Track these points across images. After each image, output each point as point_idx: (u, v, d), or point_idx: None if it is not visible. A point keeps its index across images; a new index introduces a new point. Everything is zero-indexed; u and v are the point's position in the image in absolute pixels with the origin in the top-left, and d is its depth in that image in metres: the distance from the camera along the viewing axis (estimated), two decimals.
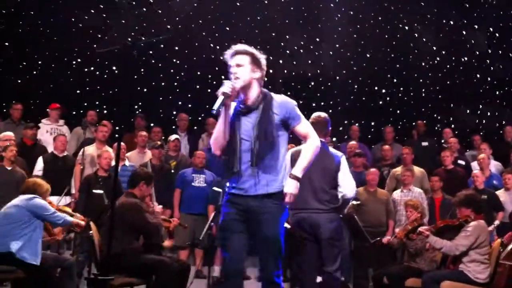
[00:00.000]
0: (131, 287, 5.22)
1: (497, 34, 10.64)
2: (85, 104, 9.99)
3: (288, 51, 10.33)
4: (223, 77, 10.23)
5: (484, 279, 5.39)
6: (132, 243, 5.11)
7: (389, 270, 6.06)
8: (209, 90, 10.71)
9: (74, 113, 9.86)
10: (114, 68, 9.87)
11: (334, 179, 4.68)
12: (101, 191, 6.15)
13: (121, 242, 4.97)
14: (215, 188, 6.61)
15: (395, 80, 10.82)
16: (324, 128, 4.78)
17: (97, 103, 10.25)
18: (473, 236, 5.43)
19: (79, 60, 10.36)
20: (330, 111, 10.04)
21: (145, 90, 10.56)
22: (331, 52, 10.80)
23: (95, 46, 9.92)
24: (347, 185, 4.70)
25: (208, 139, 8.99)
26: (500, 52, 10.62)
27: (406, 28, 10.72)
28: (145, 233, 5.30)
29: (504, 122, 10.07)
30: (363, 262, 6.97)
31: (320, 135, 4.66)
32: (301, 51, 10.74)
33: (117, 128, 9.29)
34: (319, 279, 4.82)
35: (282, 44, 10.07)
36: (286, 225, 5.47)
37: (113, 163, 7.52)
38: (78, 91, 10.31)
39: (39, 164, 7.56)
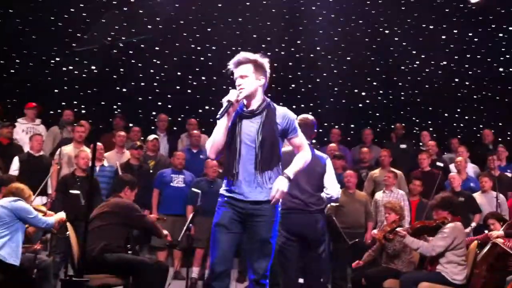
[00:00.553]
0: None
1: (475, 39, 10.74)
2: (63, 103, 9.87)
3: (269, 53, 10.32)
4: (203, 78, 10.27)
5: (461, 280, 5.44)
6: (115, 242, 5.07)
7: (367, 271, 6.08)
8: (189, 91, 10.71)
9: (51, 112, 9.73)
10: (93, 67, 9.74)
11: (320, 181, 4.76)
12: (78, 192, 6.08)
13: (102, 241, 4.97)
14: (194, 189, 6.57)
15: (374, 83, 10.88)
16: (310, 130, 4.83)
17: (75, 102, 10.13)
18: (449, 238, 5.48)
19: (57, 59, 10.23)
20: (310, 113, 10.07)
21: (124, 90, 10.47)
22: (312, 55, 10.84)
23: (73, 45, 9.84)
24: (332, 187, 4.77)
25: (187, 140, 8.97)
26: (478, 56, 10.72)
27: (386, 32, 10.78)
28: (146, 228, 5.50)
29: (481, 126, 10.19)
30: (342, 263, 6.99)
31: (306, 136, 4.75)
32: (282, 53, 10.75)
33: (95, 128, 9.23)
34: (301, 280, 4.84)
35: (263, 46, 10.05)
36: None
37: (90, 163, 7.49)
38: (56, 90, 10.20)
39: (15, 163, 7.47)
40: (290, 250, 4.68)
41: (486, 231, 6.05)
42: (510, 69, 10.70)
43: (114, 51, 9.96)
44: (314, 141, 8.52)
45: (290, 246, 4.68)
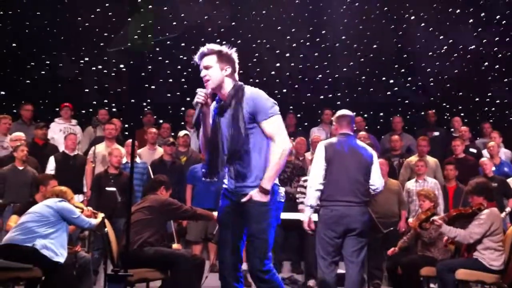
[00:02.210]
0: (147, 282, 5.29)
1: (503, 21, 10.53)
2: (94, 102, 10.03)
3: (294, 45, 10.33)
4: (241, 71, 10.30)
5: (499, 266, 5.38)
6: (153, 236, 5.18)
7: (403, 260, 6.04)
8: None
9: (83, 111, 9.91)
10: (121, 66, 9.87)
11: (368, 172, 4.78)
12: (113, 189, 6.19)
13: (141, 235, 5.09)
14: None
15: (402, 70, 10.77)
16: (350, 121, 4.97)
17: (105, 101, 10.29)
18: (486, 224, 5.43)
19: (86, 59, 10.39)
20: (338, 103, 10.07)
21: (153, 87, 10.58)
22: (337, 44, 10.78)
23: (101, 44, 9.98)
24: (377, 179, 4.81)
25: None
26: (507, 39, 10.53)
27: (412, 18, 10.66)
28: (189, 217, 5.69)
29: None
30: (376, 253, 6.98)
31: (348, 128, 4.89)
32: (307, 44, 10.72)
33: (126, 125, 9.38)
34: (339, 270, 4.88)
35: (288, 37, 10.05)
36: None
37: (123, 160, 7.64)
38: (86, 90, 10.37)
39: (51, 163, 7.61)
40: (329, 242, 4.69)
41: None
42: None
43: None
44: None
45: (330, 239, 4.69)
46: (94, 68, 10.32)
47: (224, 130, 3.54)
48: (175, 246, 5.69)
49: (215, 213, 5.62)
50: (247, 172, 3.48)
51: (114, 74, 10.01)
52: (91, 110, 9.62)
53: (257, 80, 9.63)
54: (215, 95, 3.63)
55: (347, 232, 4.69)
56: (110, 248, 5.14)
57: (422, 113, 10.01)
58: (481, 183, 5.77)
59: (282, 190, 3.59)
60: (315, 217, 4.84)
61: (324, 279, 4.67)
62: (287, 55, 10.59)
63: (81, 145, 8.54)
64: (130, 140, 7.94)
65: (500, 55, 10.59)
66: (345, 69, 10.76)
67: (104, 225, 5.31)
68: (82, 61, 10.41)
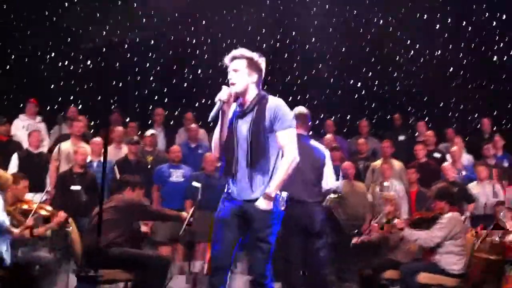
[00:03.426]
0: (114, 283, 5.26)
1: (469, 28, 10.78)
2: (60, 99, 9.87)
3: (264, 45, 10.35)
4: (199, 71, 10.28)
5: (459, 270, 5.51)
6: (120, 236, 5.13)
7: (372, 263, 6.11)
8: (185, 85, 10.72)
9: (48, 108, 9.74)
10: (88, 63, 9.74)
11: (321, 173, 4.80)
12: (78, 187, 6.11)
13: (107, 235, 5.00)
14: (194, 183, 6.60)
15: (370, 74, 10.92)
16: (305, 120, 4.95)
17: (71, 98, 10.13)
18: (447, 228, 5.54)
19: (53, 54, 10.22)
20: (307, 104, 10.11)
21: (120, 84, 10.47)
22: (307, 46, 10.85)
23: (68, 40, 9.83)
24: (330, 179, 4.88)
25: (185, 134, 8.97)
26: (472, 45, 10.77)
27: (381, 22, 10.81)
28: (156, 217, 5.67)
29: (476, 115, 10.26)
30: (343, 255, 7.01)
31: (302, 129, 4.84)
32: (277, 44, 10.77)
33: (92, 123, 9.26)
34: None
35: (258, 38, 10.07)
36: None
37: (88, 159, 7.53)
38: (51, 86, 10.20)
39: (14, 161, 7.46)
40: (294, 240, 4.74)
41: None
42: (504, 57, 10.73)
43: (120, 49, 10.03)
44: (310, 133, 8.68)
45: (291, 237, 4.73)
46: (60, 64, 10.13)
47: (242, 133, 3.60)
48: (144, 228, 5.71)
49: (184, 214, 5.64)
50: (262, 178, 3.57)
51: (80, 71, 9.83)
52: (56, 107, 9.44)
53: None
54: (237, 98, 3.68)
55: (306, 232, 4.74)
56: (74, 247, 5.06)
57: (389, 117, 10.13)
58: (442, 188, 5.91)
59: (284, 194, 3.61)
60: None
61: (292, 275, 4.72)
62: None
63: (48, 142, 8.37)
64: (96, 139, 7.89)
65: (465, 62, 10.81)
66: (313, 72, 10.84)
67: (68, 224, 5.23)
68: (48, 57, 10.23)
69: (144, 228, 5.89)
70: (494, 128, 9.63)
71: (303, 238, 4.76)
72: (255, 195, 3.55)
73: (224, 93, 3.52)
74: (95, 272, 4.03)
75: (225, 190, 3.71)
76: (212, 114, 3.50)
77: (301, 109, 5.01)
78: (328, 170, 4.89)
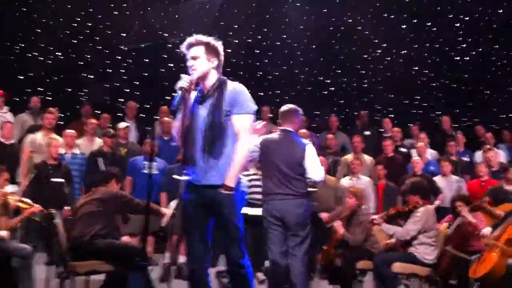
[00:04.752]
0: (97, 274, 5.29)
1: (433, 29, 11.14)
2: (29, 90, 9.73)
3: (236, 41, 10.45)
4: (170, 64, 10.25)
5: (432, 259, 5.78)
6: (105, 228, 5.17)
7: (341, 252, 6.23)
8: (156, 77, 10.71)
9: (16, 99, 9.58)
10: (59, 53, 9.63)
11: (301, 167, 4.91)
12: (62, 180, 6.10)
13: (92, 227, 5.07)
14: (176, 176, 6.66)
15: (338, 71, 11.16)
16: (292, 117, 5.07)
17: (40, 89, 9.99)
18: (422, 221, 5.80)
19: (21, 45, 10.05)
20: (277, 100, 10.30)
21: (91, 76, 10.39)
22: (277, 43, 11.01)
23: (38, 31, 9.67)
24: (314, 171, 4.94)
25: (160, 127, 9.00)
26: (436, 45, 11.14)
27: (350, 21, 11.06)
28: (140, 211, 5.49)
29: (438, 113, 10.63)
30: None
31: (289, 124, 4.99)
32: (249, 40, 10.88)
33: (61, 115, 9.17)
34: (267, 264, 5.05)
35: (230, 33, 10.15)
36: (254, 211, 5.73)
37: (62, 151, 7.48)
38: (20, 77, 10.03)
39: None
40: (274, 233, 4.87)
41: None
42: (465, 58, 11.15)
43: (80, 37, 9.94)
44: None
45: (275, 230, 4.87)
46: (29, 55, 9.98)
47: (202, 119, 3.58)
48: (125, 238, 5.70)
49: (166, 210, 5.71)
50: (217, 162, 3.53)
51: (51, 62, 9.71)
52: (24, 97, 9.30)
53: None
54: (197, 84, 3.67)
55: (285, 225, 4.86)
56: (57, 239, 5.08)
57: (356, 113, 10.39)
58: (416, 183, 6.17)
59: (244, 179, 3.69)
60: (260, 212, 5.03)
61: (275, 268, 4.85)
62: (229, 51, 10.68)
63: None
64: (69, 130, 7.85)
65: (429, 61, 11.17)
66: (284, 67, 11.02)
67: (53, 216, 5.24)
68: (18, 47, 10.05)
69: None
70: (454, 126, 10.01)
71: (282, 230, 4.87)
72: (214, 180, 3.52)
73: (184, 81, 3.49)
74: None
75: (186, 179, 3.69)
76: (174, 103, 3.47)
77: (287, 106, 5.13)
78: (311, 163, 4.94)
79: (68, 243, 5.14)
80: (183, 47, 3.66)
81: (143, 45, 8.17)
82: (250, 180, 6.61)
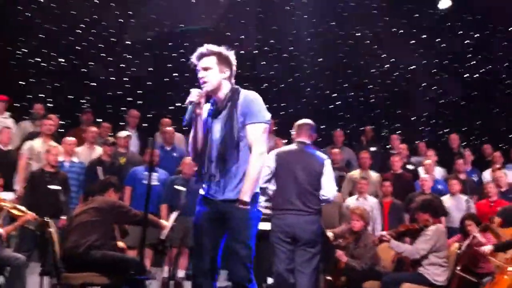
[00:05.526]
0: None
1: (442, 45, 11.00)
2: (30, 96, 9.57)
3: (242, 52, 10.29)
4: (175, 74, 10.14)
5: (442, 281, 5.56)
6: (101, 238, 4.97)
7: (347, 272, 6.07)
8: (160, 87, 10.57)
9: (16, 105, 9.42)
10: (61, 60, 9.49)
11: (319, 182, 4.76)
12: (58, 187, 5.91)
13: (88, 237, 4.88)
14: (177, 187, 6.48)
15: (345, 85, 11.01)
16: (309, 130, 5.00)
17: (42, 95, 9.84)
18: (432, 240, 5.60)
19: (24, 50, 9.91)
20: (282, 113, 10.14)
21: (93, 84, 10.23)
22: (284, 55, 10.88)
23: (40, 36, 9.55)
24: (329, 188, 4.79)
25: (162, 137, 8.83)
26: (445, 62, 10.99)
27: (358, 34, 10.92)
28: (139, 222, 5.24)
29: (446, 130, 10.45)
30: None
31: (305, 137, 4.81)
32: (255, 52, 10.75)
33: (62, 122, 9.03)
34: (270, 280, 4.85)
35: (236, 44, 9.99)
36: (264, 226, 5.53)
37: (60, 159, 7.32)
38: (21, 83, 9.88)
39: None
40: (282, 250, 4.68)
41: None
42: (474, 76, 11.00)
43: (84, 44, 9.81)
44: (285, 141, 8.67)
45: (283, 247, 4.68)
46: (31, 61, 9.84)
47: (216, 132, 3.45)
48: (121, 244, 5.50)
49: (165, 223, 5.51)
50: (233, 176, 3.39)
51: (54, 68, 9.57)
52: (24, 103, 9.15)
53: None
54: (209, 97, 3.53)
55: (296, 241, 4.68)
56: (52, 249, 4.87)
57: (361, 128, 10.22)
58: (426, 200, 5.97)
59: (262, 199, 3.53)
60: (268, 226, 4.82)
61: (281, 286, 4.65)
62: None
63: (14, 139, 8.08)
64: (68, 138, 7.69)
65: (437, 77, 11.01)
66: (290, 80, 10.88)
67: (48, 225, 5.04)
68: (20, 52, 9.92)
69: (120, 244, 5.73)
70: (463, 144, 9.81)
71: (291, 247, 4.69)
72: (229, 194, 3.38)
73: (194, 95, 3.35)
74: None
75: (200, 193, 3.55)
76: (185, 118, 3.34)
77: (305, 120, 5.06)
78: (327, 179, 4.83)
79: (62, 253, 4.92)
80: (193, 58, 3.51)
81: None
82: None
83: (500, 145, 9.79)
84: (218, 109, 3.49)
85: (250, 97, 3.47)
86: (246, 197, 3.33)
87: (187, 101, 3.35)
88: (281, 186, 4.75)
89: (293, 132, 5.08)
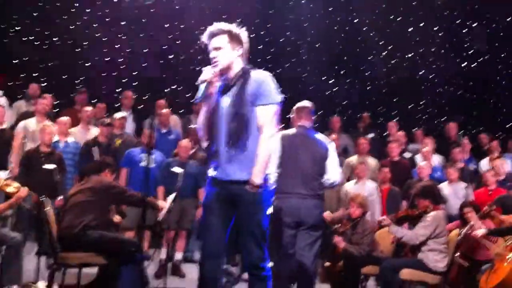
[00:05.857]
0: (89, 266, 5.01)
1: (440, 34, 10.93)
2: (24, 75, 9.40)
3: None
4: (170, 56, 9.95)
5: (442, 267, 5.51)
6: (97, 218, 4.90)
7: (344, 257, 6.02)
8: (155, 69, 10.42)
9: (9, 84, 9.27)
10: (55, 39, 9.31)
11: (323, 167, 4.68)
12: (53, 166, 5.80)
13: (84, 217, 4.80)
14: (175, 169, 6.39)
15: (342, 72, 10.92)
16: (310, 113, 4.85)
17: (35, 74, 9.66)
18: (432, 226, 5.55)
19: (17, 28, 9.72)
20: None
21: (87, 64, 10.06)
22: (281, 40, 10.77)
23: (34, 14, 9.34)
24: (334, 172, 4.73)
25: (158, 120, 8.70)
26: (442, 51, 10.93)
27: (355, 21, 10.83)
28: (135, 202, 5.25)
29: (443, 118, 10.42)
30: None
31: (306, 120, 4.73)
32: (252, 35, 10.59)
33: (56, 102, 8.89)
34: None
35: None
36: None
37: (55, 138, 7.21)
38: (15, 61, 9.70)
39: None
40: (286, 235, 4.60)
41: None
42: (471, 65, 10.96)
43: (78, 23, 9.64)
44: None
45: (286, 231, 4.59)
46: (25, 39, 9.65)
47: (225, 110, 3.38)
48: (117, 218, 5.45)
49: (162, 203, 5.43)
50: (242, 157, 3.33)
51: (46, 46, 9.39)
52: (20, 82, 8.99)
53: None
54: (221, 76, 3.45)
55: (300, 225, 4.61)
56: (49, 228, 4.78)
57: (358, 115, 10.16)
58: (427, 186, 5.93)
59: (271, 177, 3.46)
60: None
61: (278, 271, 4.56)
62: None
63: (8, 119, 7.96)
64: (63, 118, 7.57)
65: (434, 66, 10.96)
66: (287, 66, 10.77)
67: (43, 204, 4.94)
68: (12, 30, 9.72)
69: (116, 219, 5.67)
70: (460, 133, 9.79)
71: (295, 231, 4.62)
72: (239, 175, 3.32)
73: (207, 74, 3.32)
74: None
75: (209, 174, 3.48)
76: (198, 96, 3.31)
77: (304, 102, 4.92)
78: (332, 163, 4.75)
79: (58, 234, 4.83)
80: (204, 37, 3.44)
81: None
82: None
83: (496, 135, 9.76)
84: (227, 86, 3.43)
85: (261, 78, 3.40)
86: (257, 179, 3.29)
87: (200, 80, 3.30)
88: (285, 170, 4.62)
89: (292, 115, 4.95)
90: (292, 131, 4.84)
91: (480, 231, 5.55)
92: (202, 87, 3.32)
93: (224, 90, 3.43)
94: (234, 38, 3.43)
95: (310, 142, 4.72)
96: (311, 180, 4.63)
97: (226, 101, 3.39)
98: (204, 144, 3.52)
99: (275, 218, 4.58)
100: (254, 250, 3.35)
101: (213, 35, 3.41)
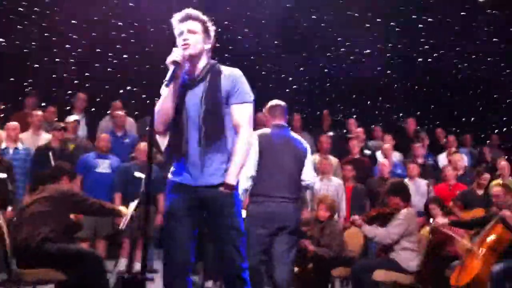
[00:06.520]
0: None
1: (397, 29, 10.97)
2: None
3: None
4: (125, 56, 9.59)
5: (414, 266, 5.44)
6: (53, 230, 4.57)
7: (314, 259, 5.88)
8: (108, 69, 10.05)
9: None
10: (1, 40, 8.83)
11: (302, 167, 4.49)
12: (5, 175, 5.44)
13: (42, 229, 4.51)
14: (137, 174, 6.11)
15: (301, 69, 10.81)
16: (284, 112, 4.67)
17: None
18: (404, 224, 5.47)
19: None
20: None
21: (36, 65, 9.59)
22: (239, 37, 10.56)
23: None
24: (310, 174, 4.56)
25: (111, 123, 8.37)
26: (399, 46, 10.98)
27: (314, 17, 10.72)
28: (96, 211, 4.99)
29: (401, 114, 10.48)
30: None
31: (281, 119, 4.55)
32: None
33: (2, 107, 8.46)
34: None
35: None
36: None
37: (3, 145, 6.83)
38: None
39: None
40: (261, 241, 4.31)
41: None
42: (428, 60, 11.05)
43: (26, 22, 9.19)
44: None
45: (262, 238, 4.31)
46: None
47: (193, 107, 3.14)
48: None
49: (123, 209, 5.13)
50: (216, 158, 3.13)
51: None
52: None
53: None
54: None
55: (279, 230, 4.36)
56: (2, 243, 4.42)
57: (318, 112, 10.08)
58: (397, 184, 5.85)
59: (245, 183, 3.28)
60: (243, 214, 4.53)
61: (255, 276, 4.34)
62: None
63: None
64: (12, 123, 7.17)
65: (391, 62, 10.99)
66: (245, 62, 10.56)
67: None
68: None
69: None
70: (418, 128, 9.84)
71: (271, 237, 4.37)
72: (213, 179, 3.12)
73: (178, 55, 3.08)
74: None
75: (171, 178, 3.23)
76: (168, 79, 3.02)
77: (277, 101, 4.70)
78: (309, 163, 4.57)
79: (13, 248, 4.48)
80: (177, 17, 3.21)
81: None
82: None
83: (452, 129, 9.87)
84: (194, 81, 3.20)
85: (237, 75, 3.24)
86: (232, 181, 3.12)
87: (169, 60, 3.07)
88: (266, 172, 4.37)
89: (264, 114, 4.73)
90: (268, 130, 4.59)
91: (441, 220, 5.50)
92: (170, 69, 3.05)
93: (189, 84, 3.21)
94: (207, 31, 3.27)
95: (291, 143, 4.51)
96: (294, 182, 4.44)
97: (193, 96, 3.17)
98: (159, 135, 3.25)
99: (253, 223, 4.32)
100: (235, 259, 3.15)
101: (188, 17, 3.21)
